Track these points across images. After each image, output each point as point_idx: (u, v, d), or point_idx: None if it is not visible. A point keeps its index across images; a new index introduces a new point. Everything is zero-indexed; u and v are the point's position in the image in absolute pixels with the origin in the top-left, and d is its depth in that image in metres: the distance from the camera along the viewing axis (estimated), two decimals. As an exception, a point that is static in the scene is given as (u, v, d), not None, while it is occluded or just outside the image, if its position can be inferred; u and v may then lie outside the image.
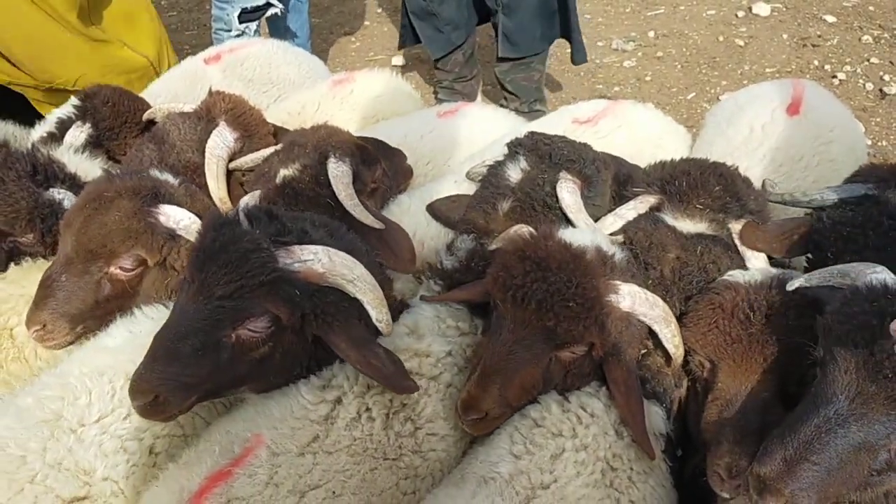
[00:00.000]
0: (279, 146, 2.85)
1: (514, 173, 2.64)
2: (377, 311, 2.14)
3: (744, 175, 2.48)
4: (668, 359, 2.20)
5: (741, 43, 6.54)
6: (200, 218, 2.51)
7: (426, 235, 2.85)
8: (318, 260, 2.05)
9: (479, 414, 2.09)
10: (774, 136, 2.96)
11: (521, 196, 2.58)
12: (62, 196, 2.80)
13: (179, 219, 2.46)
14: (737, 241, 2.33)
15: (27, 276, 2.72)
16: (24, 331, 2.62)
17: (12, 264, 2.78)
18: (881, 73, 5.90)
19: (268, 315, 2.01)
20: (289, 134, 2.94)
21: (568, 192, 2.53)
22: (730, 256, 2.29)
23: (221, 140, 2.90)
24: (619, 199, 2.80)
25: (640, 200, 2.42)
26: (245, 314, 1.99)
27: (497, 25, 5.16)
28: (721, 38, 6.63)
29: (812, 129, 2.98)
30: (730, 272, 2.22)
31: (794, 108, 3.01)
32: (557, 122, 3.04)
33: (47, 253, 2.81)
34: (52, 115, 3.39)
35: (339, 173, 2.65)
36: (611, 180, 2.72)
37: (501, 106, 5.59)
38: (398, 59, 6.86)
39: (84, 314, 2.48)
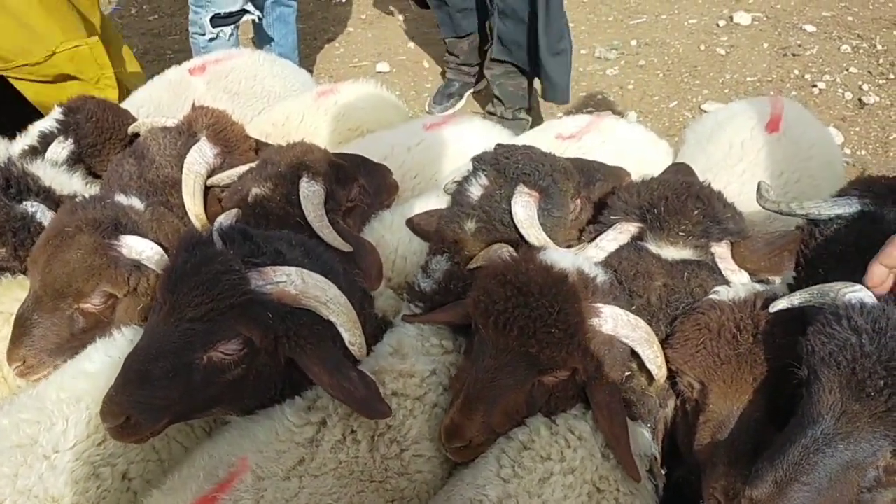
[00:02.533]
0: (254, 164, 2.83)
1: (475, 190, 2.60)
2: (350, 334, 2.12)
3: (718, 192, 2.47)
4: (652, 380, 2.21)
5: (722, 52, 6.60)
6: (168, 242, 2.51)
7: (408, 251, 2.82)
8: (292, 282, 2.03)
9: (463, 442, 2.09)
10: (754, 152, 2.98)
11: (482, 215, 2.56)
12: (35, 209, 2.78)
13: (141, 250, 2.45)
14: (719, 264, 2.33)
15: (6, 293, 2.70)
16: (3, 349, 2.58)
17: (-1, 277, 2.75)
18: (860, 83, 5.98)
19: (240, 337, 1.99)
20: (266, 151, 2.92)
21: (521, 207, 2.49)
22: (715, 279, 2.28)
23: (200, 156, 2.87)
24: (597, 207, 2.80)
25: (620, 230, 2.39)
26: (216, 337, 1.97)
27: (493, 27, 5.24)
28: (702, 47, 6.69)
29: (791, 146, 3.01)
30: (714, 289, 2.21)
31: (773, 126, 3.04)
32: (542, 138, 3.05)
33: (22, 267, 2.76)
34: (34, 128, 3.34)
35: (309, 193, 2.63)
36: (576, 189, 2.68)
37: (488, 112, 5.64)
38: (383, 66, 6.87)
39: (62, 347, 2.47)
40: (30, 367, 2.47)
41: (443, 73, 6.58)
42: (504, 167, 2.56)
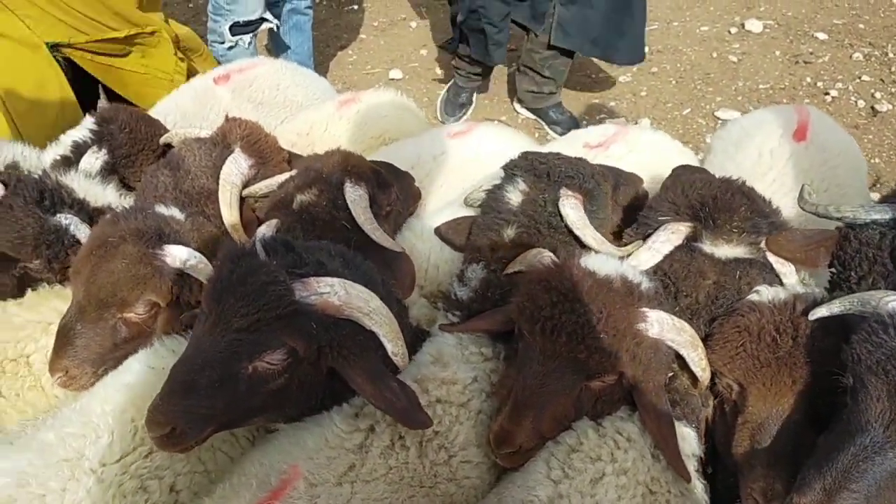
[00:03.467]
0: (294, 172, 2.86)
1: (514, 196, 2.62)
2: (393, 345, 2.14)
3: (752, 187, 2.50)
4: (695, 380, 2.23)
5: (734, 59, 6.65)
6: (208, 251, 2.53)
7: (440, 259, 2.86)
8: (335, 292, 2.05)
9: (514, 447, 2.10)
10: (783, 161, 3.02)
11: (524, 220, 2.58)
12: (69, 221, 2.80)
13: (185, 258, 2.47)
14: (770, 258, 2.35)
15: (44, 303, 2.73)
16: (41, 358, 2.63)
17: (29, 290, 2.78)
18: (872, 91, 6.02)
19: (284, 347, 2.01)
20: (303, 159, 2.95)
21: (571, 209, 2.52)
22: (764, 277, 2.31)
23: (236, 167, 2.90)
24: (625, 212, 2.83)
25: (672, 230, 2.40)
26: (262, 347, 1.99)
27: (553, 14, 5.38)
28: (715, 55, 6.74)
29: (819, 154, 3.04)
30: (755, 289, 2.24)
31: (800, 134, 3.07)
32: (569, 148, 3.08)
33: (57, 278, 2.80)
34: (67, 137, 3.37)
35: (356, 197, 2.67)
36: (611, 191, 2.74)
37: (520, 97, 6.06)
38: (395, 73, 6.91)
39: (104, 357, 2.49)
40: (72, 377, 2.49)
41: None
42: (543, 171, 2.59)
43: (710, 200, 2.40)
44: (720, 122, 5.96)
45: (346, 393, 2.20)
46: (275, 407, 2.15)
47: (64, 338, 2.48)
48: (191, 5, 8.15)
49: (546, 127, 6.01)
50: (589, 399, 2.17)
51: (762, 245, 2.37)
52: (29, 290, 2.77)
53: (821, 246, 2.36)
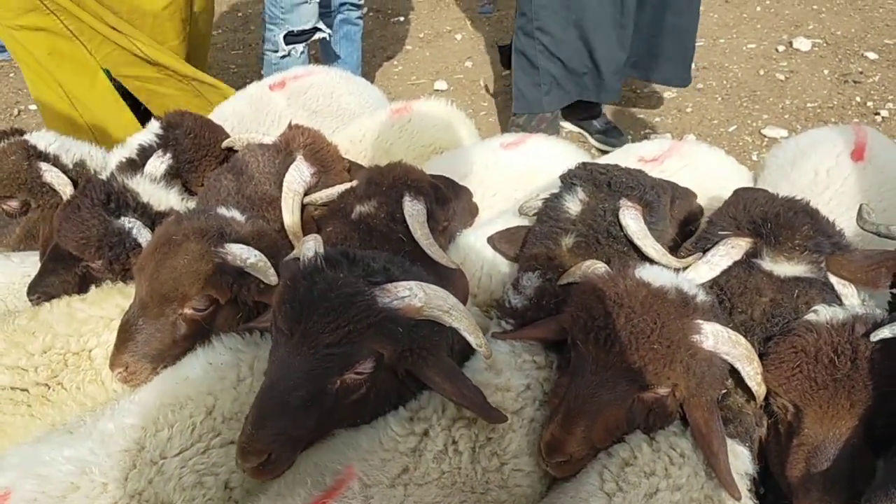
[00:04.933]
0: (354, 182, 2.92)
1: (573, 205, 2.63)
2: (475, 337, 2.18)
3: (816, 208, 2.49)
4: (749, 397, 2.22)
5: (782, 77, 6.59)
6: (268, 255, 2.58)
7: (493, 269, 2.88)
8: (415, 295, 2.09)
9: (564, 456, 2.11)
10: (840, 180, 3.00)
11: (582, 229, 2.58)
12: (132, 225, 2.88)
13: (246, 257, 2.52)
14: (832, 280, 2.34)
15: (107, 299, 2.79)
16: (102, 353, 2.69)
17: (93, 286, 2.85)
18: (923, 112, 5.93)
19: (373, 356, 2.05)
20: (364, 171, 3.00)
21: (632, 219, 2.52)
22: (824, 298, 2.29)
23: (299, 175, 2.96)
24: (679, 227, 2.83)
25: (732, 245, 2.40)
26: (354, 358, 2.03)
27: None
28: (762, 72, 6.69)
29: (877, 175, 3.01)
30: (813, 309, 2.22)
31: (858, 154, 3.05)
32: (623, 161, 3.08)
33: (117, 279, 2.88)
34: (134, 140, 3.47)
35: (414, 212, 2.72)
36: (669, 204, 2.74)
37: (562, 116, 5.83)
38: (441, 84, 6.96)
39: (164, 353, 2.55)
40: (131, 373, 2.55)
41: (499, 93, 6.67)
42: (604, 181, 2.61)
43: (773, 217, 2.39)
44: (767, 140, 5.92)
45: (409, 397, 2.24)
46: (353, 417, 2.19)
47: (126, 333, 2.56)
48: (240, 14, 8.30)
49: (590, 138, 6.00)
50: (641, 411, 2.17)
51: (823, 265, 2.35)
52: (93, 287, 2.84)
53: (882, 266, 2.33)
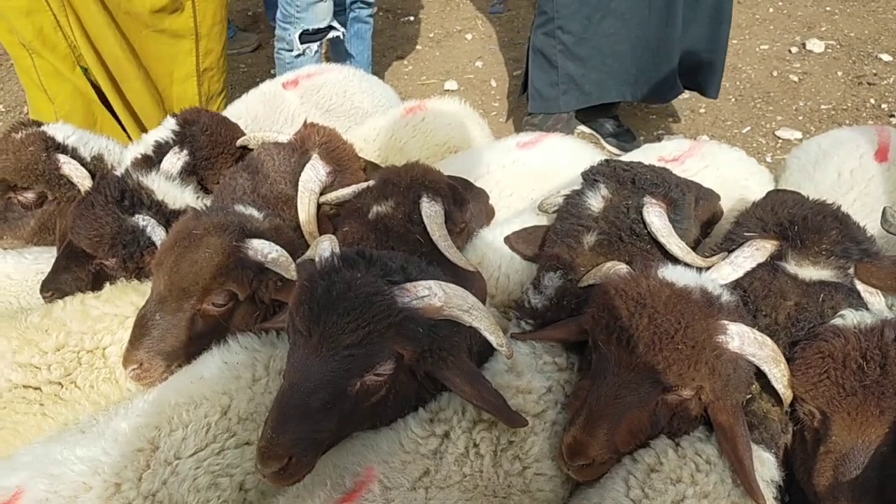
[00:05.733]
0: (371, 182, 2.89)
1: (596, 202, 2.58)
2: (496, 337, 2.14)
3: (848, 214, 2.44)
4: (776, 402, 2.17)
5: (795, 79, 6.54)
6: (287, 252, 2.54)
7: (511, 269, 2.85)
8: (434, 294, 2.06)
9: (587, 460, 2.07)
10: (864, 181, 2.96)
11: (605, 227, 2.54)
12: (146, 223, 2.86)
13: (267, 252, 2.49)
14: (858, 285, 2.29)
15: (122, 296, 2.77)
16: (116, 351, 2.66)
17: (108, 283, 2.83)
18: (939, 114, 5.88)
19: (394, 356, 2.02)
20: (381, 171, 2.97)
21: (656, 217, 2.48)
22: (850, 303, 2.25)
23: (315, 174, 2.94)
24: (702, 227, 2.78)
25: (757, 247, 2.36)
26: (375, 359, 1.99)
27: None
28: (775, 73, 6.64)
29: (901, 176, 2.98)
30: (839, 313, 2.17)
31: (881, 155, 3.01)
32: (643, 160, 3.04)
33: (131, 277, 2.85)
34: (150, 137, 3.44)
35: (432, 213, 2.69)
36: (693, 203, 2.69)
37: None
38: (451, 84, 6.92)
39: (179, 351, 2.52)
40: (146, 370, 2.51)
41: (510, 93, 6.63)
42: (627, 178, 2.57)
43: (801, 220, 2.35)
44: (781, 141, 5.87)
45: (427, 399, 2.21)
46: (372, 420, 2.16)
47: (141, 328, 2.52)
48: (250, 14, 8.27)
49: (602, 140, 5.96)
50: (665, 414, 2.13)
51: (850, 271, 2.31)
52: (107, 284, 2.82)
53: None
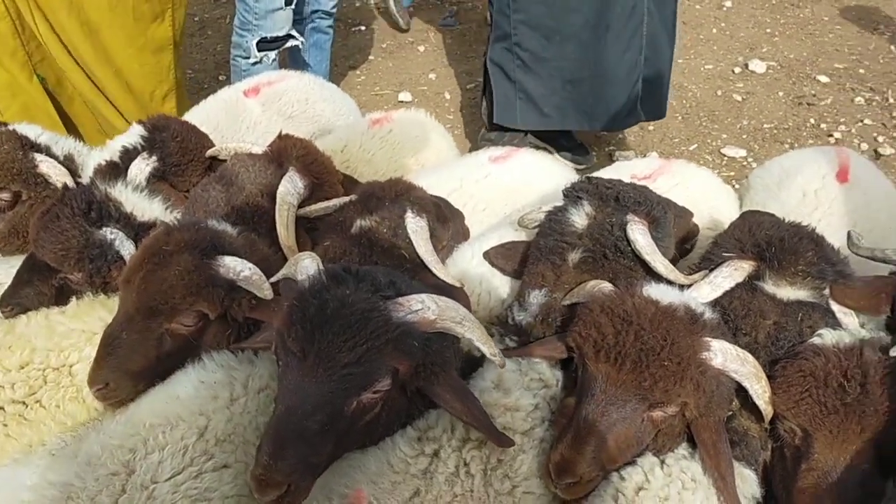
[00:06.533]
0: (353, 197, 2.85)
1: (580, 219, 2.58)
2: (489, 347, 2.13)
3: (822, 235, 2.52)
4: (756, 419, 2.21)
5: (739, 98, 6.75)
6: (260, 269, 2.47)
7: (492, 285, 2.84)
8: (427, 307, 2.04)
9: (574, 478, 2.07)
10: (828, 201, 3.06)
11: (589, 244, 2.54)
12: (114, 236, 2.75)
13: (240, 270, 2.42)
14: (833, 306, 2.36)
15: (89, 312, 2.67)
16: (83, 368, 2.55)
17: (73, 298, 2.71)
18: (874, 135, 6.15)
19: (391, 372, 1.99)
20: (364, 185, 2.95)
21: (640, 234, 2.49)
22: (826, 322, 2.32)
23: (293, 186, 2.87)
24: (678, 243, 2.82)
25: (735, 267, 2.41)
26: (374, 376, 1.96)
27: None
28: (719, 93, 6.84)
29: (862, 196, 3.09)
30: (818, 332, 2.24)
31: (843, 176, 3.12)
32: (615, 176, 3.09)
33: (97, 292, 2.74)
34: (116, 143, 3.32)
35: (418, 228, 2.68)
36: (673, 220, 2.74)
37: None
38: (405, 95, 6.91)
39: (146, 371, 2.42)
40: (112, 390, 2.42)
41: (463, 106, 6.65)
42: (611, 196, 2.58)
43: (777, 241, 2.41)
44: (726, 159, 6.04)
45: (415, 416, 2.18)
46: (364, 439, 2.12)
47: (107, 346, 2.42)
48: (196, 19, 8.08)
49: (556, 154, 6.02)
50: (650, 431, 2.14)
51: (825, 291, 2.38)
52: (73, 299, 2.70)
53: (881, 291, 2.39)
